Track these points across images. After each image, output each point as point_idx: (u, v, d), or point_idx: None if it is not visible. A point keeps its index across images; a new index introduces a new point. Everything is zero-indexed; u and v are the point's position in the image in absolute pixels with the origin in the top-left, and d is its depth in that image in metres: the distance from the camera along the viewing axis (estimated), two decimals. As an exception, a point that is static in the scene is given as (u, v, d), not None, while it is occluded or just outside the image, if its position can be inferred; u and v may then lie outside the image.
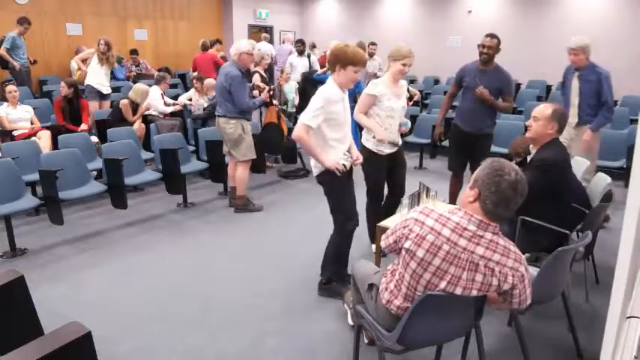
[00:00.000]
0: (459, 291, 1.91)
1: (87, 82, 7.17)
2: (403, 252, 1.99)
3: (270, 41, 12.35)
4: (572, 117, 4.49)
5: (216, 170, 5.64)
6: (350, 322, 2.99)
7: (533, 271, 2.65)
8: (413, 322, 1.98)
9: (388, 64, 3.81)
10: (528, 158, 3.22)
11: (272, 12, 13.44)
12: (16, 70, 7.85)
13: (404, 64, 3.62)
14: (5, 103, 5.84)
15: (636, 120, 7.30)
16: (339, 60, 3.03)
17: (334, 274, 3.38)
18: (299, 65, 8.66)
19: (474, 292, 1.92)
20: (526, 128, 3.16)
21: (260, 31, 13.39)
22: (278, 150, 6.39)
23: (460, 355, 2.63)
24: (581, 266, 3.29)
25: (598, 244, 3.25)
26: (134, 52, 10.38)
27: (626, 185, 5.14)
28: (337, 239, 3.31)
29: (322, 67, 10.01)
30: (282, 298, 3.38)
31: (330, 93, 3.05)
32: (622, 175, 5.39)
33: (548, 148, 3.05)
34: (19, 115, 5.84)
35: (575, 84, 4.50)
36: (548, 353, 2.80)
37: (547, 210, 2.93)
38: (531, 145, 3.21)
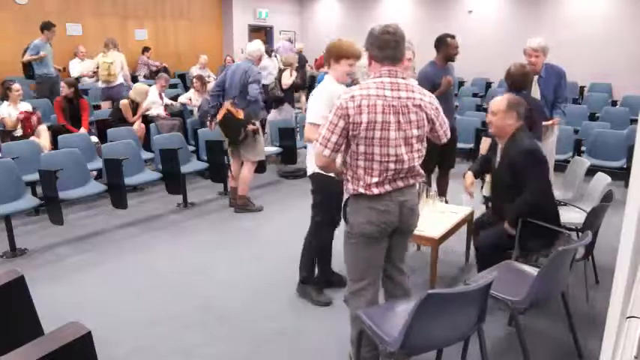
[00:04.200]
0: (401, 135, 2.20)
1: (121, 80, 7.76)
2: (351, 136, 2.20)
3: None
4: None
5: (216, 170, 5.63)
6: None
7: (533, 271, 2.65)
8: (415, 326, 1.95)
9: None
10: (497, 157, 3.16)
11: (272, 12, 13.44)
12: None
13: None
14: (6, 103, 5.83)
15: (636, 120, 7.30)
16: (332, 54, 3.06)
17: (311, 274, 3.38)
18: (270, 66, 8.66)
19: (415, 132, 2.24)
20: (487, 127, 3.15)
21: (260, 31, 13.41)
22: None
23: (460, 356, 2.62)
24: (581, 266, 3.29)
25: (598, 244, 3.24)
26: (147, 49, 10.42)
27: (626, 185, 5.14)
28: (313, 240, 3.31)
29: (320, 67, 10.05)
30: (283, 298, 3.38)
31: (330, 87, 3.07)
32: (622, 175, 5.39)
33: (521, 137, 3.00)
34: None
35: (534, 89, 4.36)
36: (548, 353, 2.80)
37: (548, 206, 2.94)
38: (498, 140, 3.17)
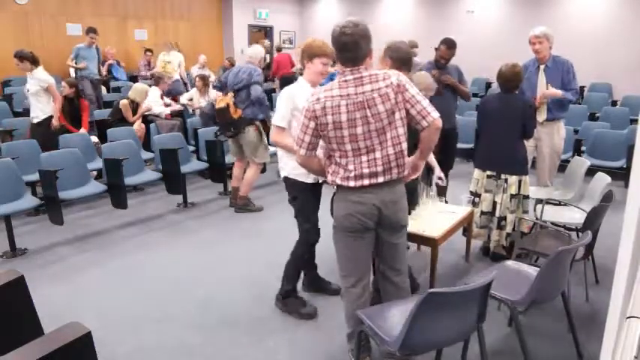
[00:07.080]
0: (372, 127, 2.21)
1: (177, 77, 8.75)
2: (322, 135, 2.27)
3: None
4: (539, 114, 4.29)
5: (216, 170, 5.63)
6: None
7: (533, 271, 2.65)
8: (415, 326, 1.94)
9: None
10: None
11: (272, 12, 13.44)
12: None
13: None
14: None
15: (636, 120, 7.29)
16: (306, 54, 2.96)
17: (294, 288, 3.24)
18: None
19: (385, 121, 2.22)
20: None
21: (260, 31, 13.41)
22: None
23: (460, 356, 2.63)
24: (581, 266, 3.29)
25: (598, 244, 3.24)
26: (149, 51, 10.40)
27: (626, 185, 5.14)
28: (300, 250, 3.14)
29: None
30: (282, 298, 3.38)
31: (295, 90, 2.96)
32: (622, 175, 5.39)
33: None
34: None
35: (541, 79, 4.37)
36: (548, 353, 2.80)
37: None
38: None
